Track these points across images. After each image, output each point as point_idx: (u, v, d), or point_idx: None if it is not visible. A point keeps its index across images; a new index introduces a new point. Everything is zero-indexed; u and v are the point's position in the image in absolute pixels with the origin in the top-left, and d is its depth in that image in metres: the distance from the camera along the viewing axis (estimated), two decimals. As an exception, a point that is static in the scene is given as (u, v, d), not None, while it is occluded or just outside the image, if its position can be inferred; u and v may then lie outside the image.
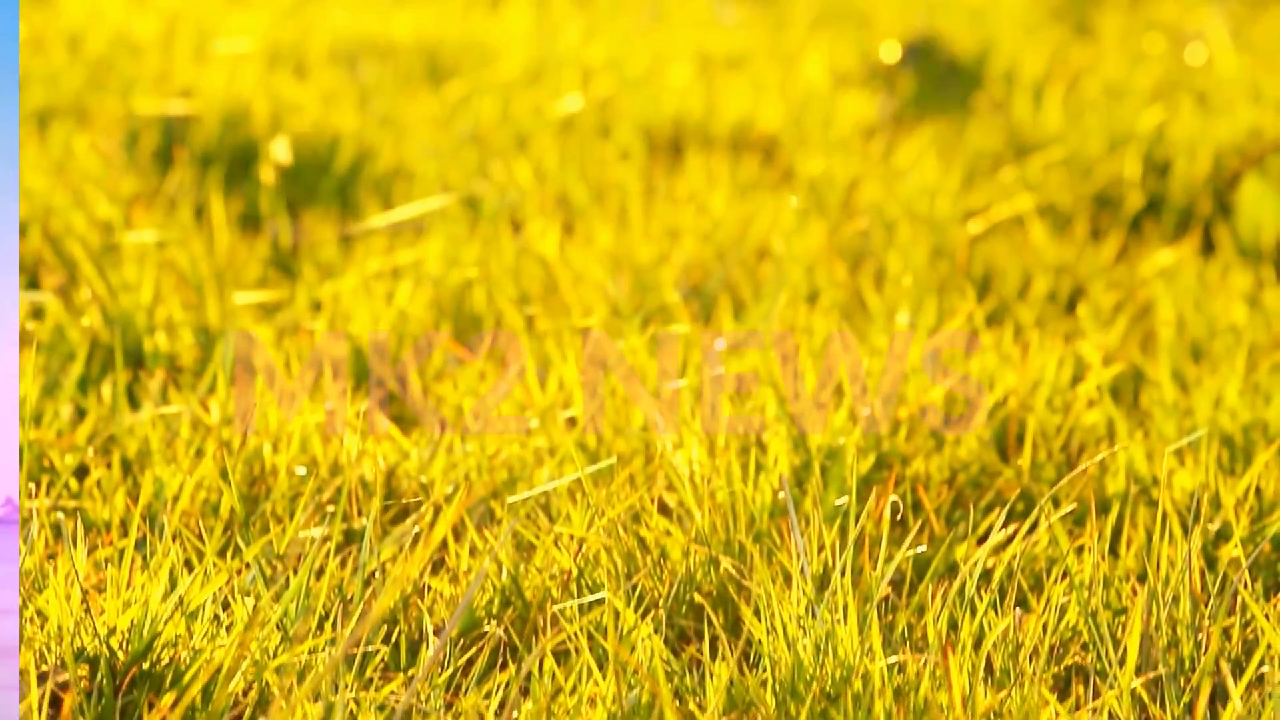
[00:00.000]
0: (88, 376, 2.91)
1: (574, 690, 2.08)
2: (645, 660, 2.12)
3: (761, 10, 5.25)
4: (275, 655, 2.14)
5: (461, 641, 2.27)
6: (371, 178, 3.83)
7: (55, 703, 2.09)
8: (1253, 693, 2.12)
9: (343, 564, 2.38)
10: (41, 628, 2.15)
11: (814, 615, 2.13)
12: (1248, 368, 2.94)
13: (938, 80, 4.66)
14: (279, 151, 3.83)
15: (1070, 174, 3.93)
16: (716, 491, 2.40)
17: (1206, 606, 2.24)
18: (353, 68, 4.43)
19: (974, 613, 2.19)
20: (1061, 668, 2.24)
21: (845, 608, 2.12)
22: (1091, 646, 2.21)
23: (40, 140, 3.82)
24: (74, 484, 2.56)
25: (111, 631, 2.12)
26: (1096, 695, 2.15)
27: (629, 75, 4.43)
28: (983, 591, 2.27)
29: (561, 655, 2.24)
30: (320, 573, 2.30)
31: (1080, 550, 2.43)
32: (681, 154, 4.10)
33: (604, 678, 2.08)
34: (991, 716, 2.07)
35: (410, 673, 2.19)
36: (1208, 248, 3.75)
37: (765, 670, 2.12)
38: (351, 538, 2.48)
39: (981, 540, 2.51)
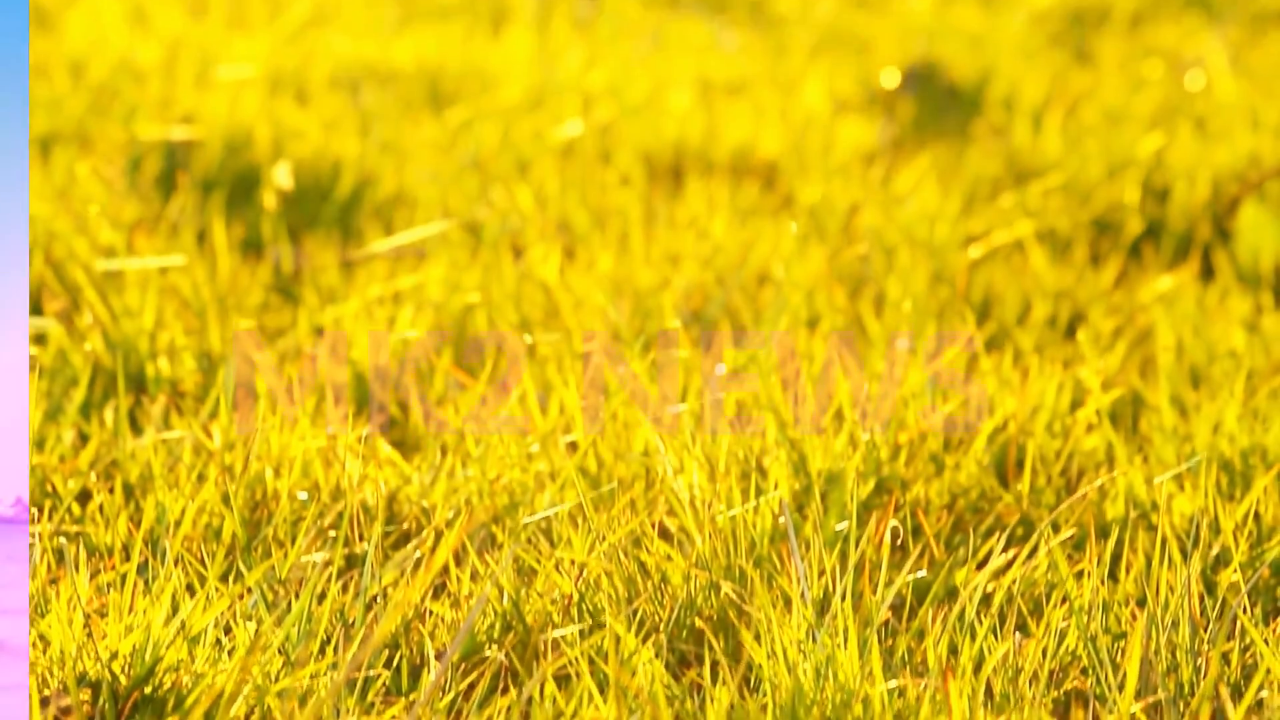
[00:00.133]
0: (90, 402, 2.92)
1: (575, 715, 2.09)
2: (646, 685, 2.12)
3: (762, 37, 5.27)
4: (277, 680, 2.14)
5: (463, 666, 2.27)
6: (373, 203, 3.84)
7: (57, 727, 2.10)
8: (1252, 717, 2.12)
9: (344, 588, 2.39)
10: (44, 652, 2.15)
11: (814, 640, 2.14)
12: (1247, 393, 2.95)
13: (937, 106, 4.67)
14: (281, 177, 3.85)
15: (1070, 199, 3.94)
16: (717, 516, 2.41)
17: (1206, 631, 2.24)
18: (354, 94, 4.44)
19: (974, 637, 2.20)
20: (1061, 692, 2.24)
21: (845, 632, 2.13)
22: (1091, 671, 2.21)
23: (43, 166, 3.83)
24: (76, 509, 2.57)
25: (114, 656, 2.12)
26: (1096, 720, 2.16)
27: (630, 101, 4.44)
28: (983, 616, 2.28)
29: (562, 680, 2.24)
30: (322, 597, 2.30)
31: (1080, 575, 2.43)
32: (682, 179, 4.11)
33: (605, 702, 2.08)
34: (991, 741, 2.08)
35: (412, 697, 2.20)
36: (1207, 273, 3.76)
37: (766, 695, 2.12)
38: (353, 562, 2.48)
39: (981, 565, 2.51)
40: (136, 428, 2.86)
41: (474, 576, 2.39)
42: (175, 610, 2.17)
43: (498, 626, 2.32)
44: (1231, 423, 2.76)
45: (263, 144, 3.97)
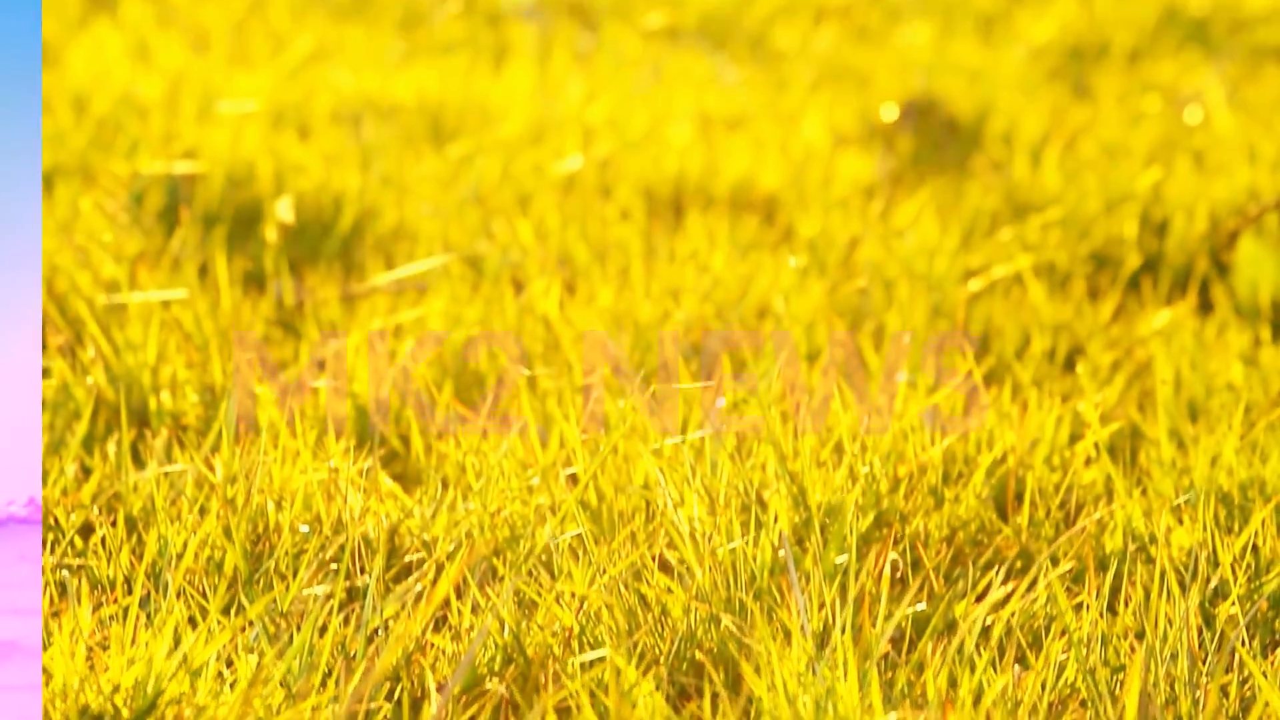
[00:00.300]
0: (93, 435, 2.93)
1: (576, 747, 2.09)
2: (646, 717, 2.13)
3: (761, 71, 5.29)
4: (279, 712, 2.15)
5: (464, 699, 2.28)
6: (374, 237, 3.85)
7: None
8: (1250, 749, 2.13)
9: (346, 621, 2.39)
10: (47, 684, 2.16)
11: (814, 672, 2.14)
12: (1245, 426, 2.96)
13: (937, 140, 4.68)
14: (283, 211, 3.86)
15: (1068, 233, 3.95)
16: (717, 549, 2.42)
17: (1204, 664, 2.25)
18: (356, 128, 4.46)
19: (973, 670, 2.20)
20: (1060, 725, 2.25)
21: (845, 665, 2.13)
22: (1090, 704, 2.22)
23: (46, 200, 3.84)
24: (79, 542, 2.57)
25: (116, 689, 2.13)
26: (1095, 752, 2.16)
27: (630, 135, 4.46)
28: (982, 649, 2.28)
29: (563, 712, 2.25)
30: (323, 630, 2.31)
31: (1079, 608, 2.44)
32: (682, 213, 4.12)
33: (605, 734, 2.09)
34: (991, 773, 2.08)
35: (413, 729, 2.20)
36: (1205, 307, 3.77)
37: (766, 727, 2.13)
38: (354, 595, 2.49)
39: (981, 597, 2.52)
40: (139, 461, 2.87)
41: (475, 609, 2.40)
42: (177, 643, 2.18)
43: (499, 659, 2.32)
44: (1230, 456, 2.76)
45: (265, 178, 3.99)
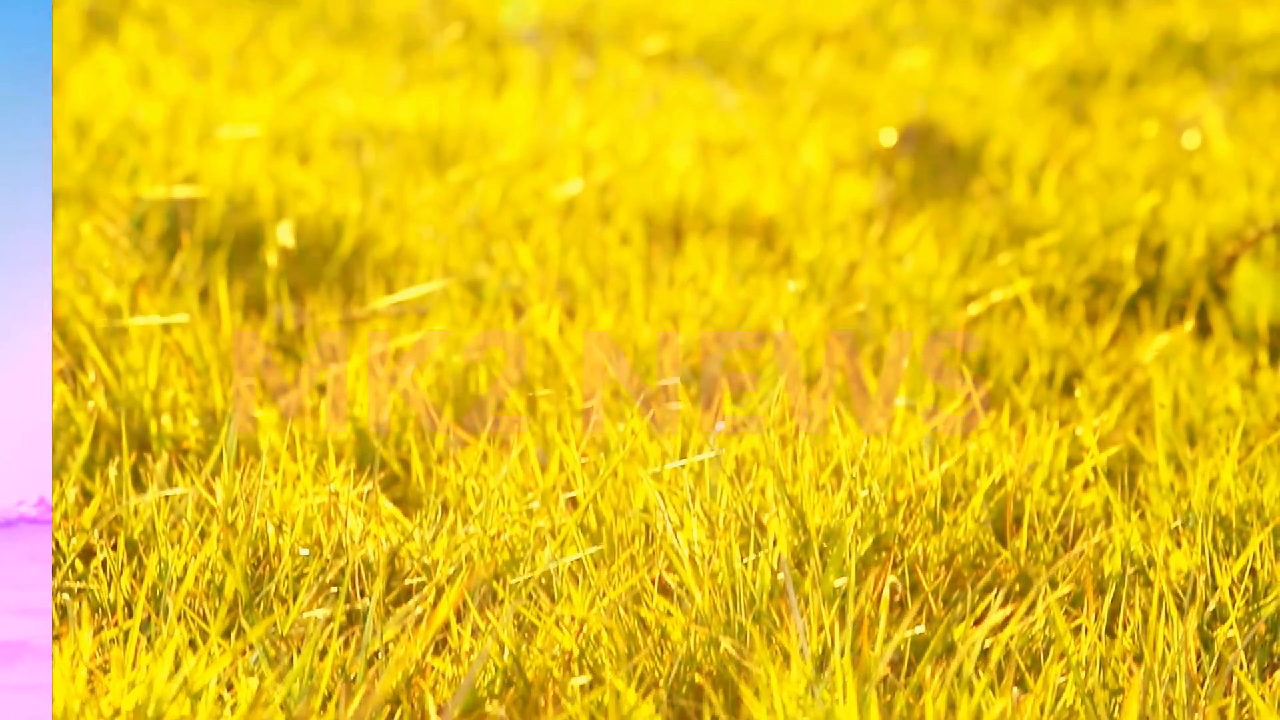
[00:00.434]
0: (93, 459, 2.93)
1: (575, 770, 2.10)
2: (646, 740, 2.13)
3: (761, 96, 5.30)
4: (279, 735, 2.15)
5: (464, 721, 2.28)
6: (375, 261, 3.86)
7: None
8: (1248, 772, 2.13)
9: (346, 644, 2.40)
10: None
11: (814, 695, 2.15)
12: (1243, 450, 2.97)
13: (935, 165, 4.70)
14: (283, 235, 3.87)
15: (1067, 258, 3.96)
16: (717, 572, 2.42)
17: (1202, 687, 2.25)
18: (356, 153, 4.47)
19: (972, 693, 2.21)
20: (1059, 747, 2.25)
21: (844, 688, 2.14)
22: (1088, 726, 2.22)
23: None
24: (80, 565, 2.58)
25: (117, 712, 2.13)
26: (1094, 775, 2.17)
27: (630, 160, 4.47)
28: (981, 672, 2.29)
29: (563, 735, 2.25)
30: (324, 653, 2.31)
31: (1077, 631, 2.44)
32: (682, 238, 4.13)
33: (605, 757, 2.09)
34: (989, 796, 2.09)
35: (413, 752, 2.20)
36: (1203, 331, 3.78)
37: (765, 750, 2.13)
38: (354, 618, 2.49)
39: (979, 621, 2.52)
40: (140, 485, 2.87)
41: (475, 632, 2.41)
42: (178, 666, 2.18)
43: (499, 682, 2.33)
44: (1228, 479, 2.77)
45: (265, 203, 4.00)
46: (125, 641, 2.23)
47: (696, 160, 4.54)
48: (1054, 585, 2.58)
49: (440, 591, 2.51)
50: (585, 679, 2.31)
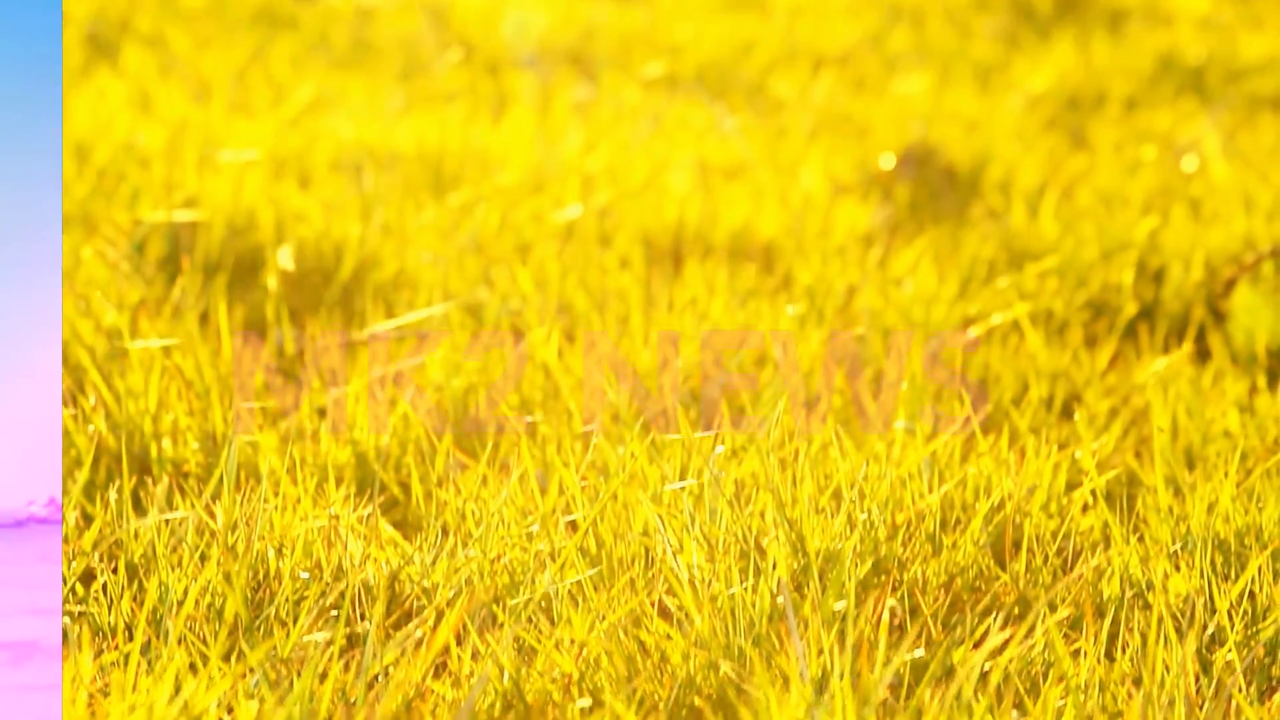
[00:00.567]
0: (94, 482, 2.94)
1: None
2: (646, 763, 2.13)
3: (760, 120, 5.31)
4: (279, 758, 2.15)
5: (463, 745, 2.28)
6: (374, 285, 3.87)
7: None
8: (1247, 795, 2.13)
9: (346, 668, 2.40)
10: (48, 731, 2.17)
11: (813, 718, 2.15)
12: (1241, 473, 2.97)
13: (934, 189, 4.71)
14: (283, 259, 3.88)
15: (1065, 281, 3.97)
16: (716, 595, 2.42)
17: (1201, 710, 2.25)
18: (356, 177, 4.48)
19: (971, 716, 2.21)
20: (1058, 771, 2.25)
21: (844, 711, 2.14)
22: (1088, 749, 2.22)
23: (47, 248, 3.86)
24: (80, 589, 2.58)
25: (117, 734, 2.14)
26: (1093, 798, 2.17)
27: (629, 184, 4.48)
28: (980, 695, 2.29)
29: (563, 758, 2.25)
30: (324, 676, 2.32)
31: (1076, 654, 2.45)
32: (681, 261, 4.14)
33: (605, 780, 2.09)
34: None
35: (413, 776, 2.20)
36: (1201, 354, 3.78)
37: (764, 773, 2.13)
38: (354, 641, 2.50)
39: (978, 644, 2.53)
40: (140, 508, 2.88)
41: (475, 655, 2.41)
42: (178, 689, 2.19)
43: (499, 705, 2.33)
44: (1226, 503, 2.77)
45: (265, 227, 4.00)
46: (126, 665, 2.24)
47: (696, 184, 4.55)
48: (1053, 608, 2.58)
49: (440, 614, 2.51)
50: (585, 702, 2.32)
